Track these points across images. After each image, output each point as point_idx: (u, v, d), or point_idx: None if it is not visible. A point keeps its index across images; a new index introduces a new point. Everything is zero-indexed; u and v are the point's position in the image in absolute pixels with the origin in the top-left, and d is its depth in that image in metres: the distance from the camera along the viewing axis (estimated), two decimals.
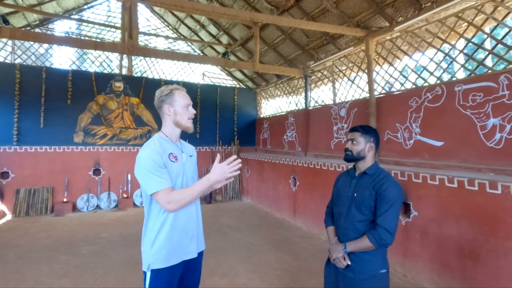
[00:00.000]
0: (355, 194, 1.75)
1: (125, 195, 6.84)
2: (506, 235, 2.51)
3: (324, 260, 3.88)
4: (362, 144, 1.77)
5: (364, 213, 1.69)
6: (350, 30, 4.39)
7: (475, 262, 2.72)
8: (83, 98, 6.59)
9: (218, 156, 1.59)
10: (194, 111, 1.75)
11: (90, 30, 7.54)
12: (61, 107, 6.40)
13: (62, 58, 7.41)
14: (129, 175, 6.91)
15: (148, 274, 1.60)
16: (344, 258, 1.69)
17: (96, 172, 6.73)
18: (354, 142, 1.78)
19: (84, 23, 7.43)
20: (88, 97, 6.63)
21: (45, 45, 6.96)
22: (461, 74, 3.74)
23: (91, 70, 7.35)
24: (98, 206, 6.60)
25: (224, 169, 1.54)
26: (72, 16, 7.06)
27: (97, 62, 7.62)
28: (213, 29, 7.09)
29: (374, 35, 4.36)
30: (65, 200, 6.33)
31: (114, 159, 6.85)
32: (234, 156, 1.57)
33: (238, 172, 1.56)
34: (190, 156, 1.82)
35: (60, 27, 7.50)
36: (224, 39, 7.15)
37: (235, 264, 3.73)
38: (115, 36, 7.66)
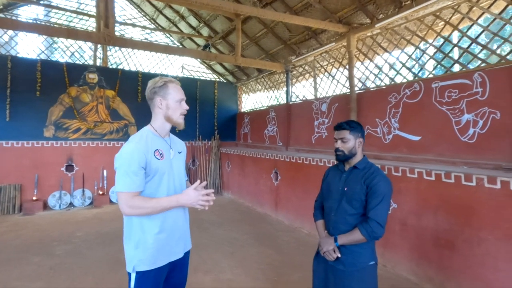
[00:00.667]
0: (345, 188, 1.76)
1: (100, 192, 6.57)
2: (480, 225, 2.65)
3: (307, 254, 3.92)
4: (352, 141, 1.77)
5: (355, 206, 1.71)
6: (332, 25, 4.42)
7: (451, 252, 2.85)
8: (54, 90, 6.21)
9: (197, 182, 1.52)
10: (187, 107, 1.67)
11: (61, 18, 7.09)
12: (30, 99, 5.99)
13: (29, 47, 6.92)
14: (104, 171, 6.63)
15: (133, 276, 1.53)
16: (334, 251, 1.70)
17: (69, 168, 6.40)
18: (344, 140, 1.76)
19: (53, 10, 6.95)
20: (59, 89, 6.26)
21: (10, 32, 6.47)
22: (437, 72, 3.88)
23: (61, 60, 6.93)
24: (71, 204, 6.29)
25: (197, 199, 1.48)
26: (41, 2, 6.59)
27: (68, 52, 7.19)
28: (193, 21, 6.90)
29: (356, 31, 4.42)
30: (35, 198, 5.98)
31: (89, 155, 6.54)
32: (212, 190, 1.52)
33: (206, 208, 1.51)
34: (179, 152, 1.74)
35: (27, 13, 6.94)
36: (205, 31, 6.99)
37: (218, 260, 3.69)
38: (88, 25, 7.26)
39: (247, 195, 6.77)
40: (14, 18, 6.47)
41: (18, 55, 6.71)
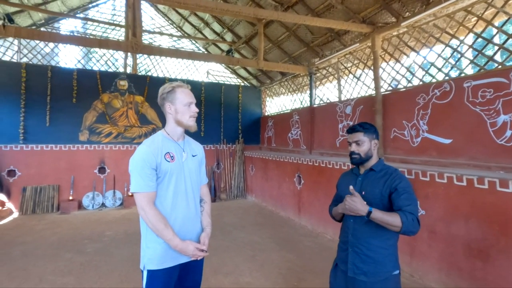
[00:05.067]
0: (363, 192, 1.67)
1: (130, 193, 6.86)
2: None
3: (329, 260, 3.81)
4: (367, 143, 1.70)
5: None
6: (355, 26, 4.32)
7: (484, 263, 2.65)
8: (88, 96, 6.62)
9: (202, 237, 1.69)
10: (197, 109, 1.71)
11: (96, 29, 7.57)
12: (67, 106, 6.44)
13: (68, 57, 7.45)
14: None
15: (145, 273, 1.61)
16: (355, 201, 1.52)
17: (101, 170, 6.76)
18: (359, 142, 1.70)
19: (89, 22, 7.45)
20: (93, 96, 6.67)
21: (51, 44, 7.01)
22: (469, 70, 3.64)
23: (96, 68, 7.38)
24: (103, 204, 6.63)
25: (193, 253, 1.59)
26: (77, 15, 7.09)
27: (102, 61, 7.65)
28: (217, 27, 7.06)
29: (380, 31, 4.28)
30: (70, 198, 6.38)
31: (119, 158, 6.88)
32: (205, 247, 1.65)
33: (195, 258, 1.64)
34: (194, 156, 1.78)
35: (66, 26, 7.50)
36: (228, 36, 7.12)
37: (239, 263, 3.70)
38: (120, 34, 7.68)
39: (270, 198, 6.74)
40: (54, 31, 6.99)
41: (59, 64, 7.24)
